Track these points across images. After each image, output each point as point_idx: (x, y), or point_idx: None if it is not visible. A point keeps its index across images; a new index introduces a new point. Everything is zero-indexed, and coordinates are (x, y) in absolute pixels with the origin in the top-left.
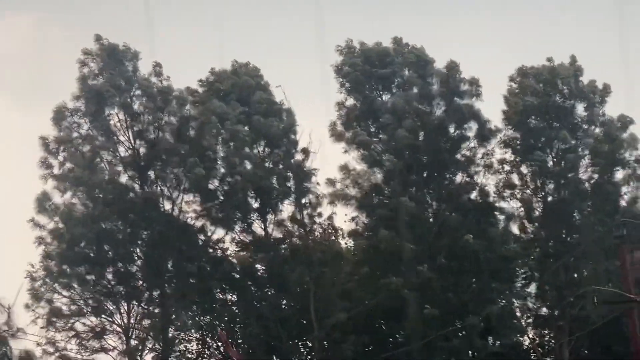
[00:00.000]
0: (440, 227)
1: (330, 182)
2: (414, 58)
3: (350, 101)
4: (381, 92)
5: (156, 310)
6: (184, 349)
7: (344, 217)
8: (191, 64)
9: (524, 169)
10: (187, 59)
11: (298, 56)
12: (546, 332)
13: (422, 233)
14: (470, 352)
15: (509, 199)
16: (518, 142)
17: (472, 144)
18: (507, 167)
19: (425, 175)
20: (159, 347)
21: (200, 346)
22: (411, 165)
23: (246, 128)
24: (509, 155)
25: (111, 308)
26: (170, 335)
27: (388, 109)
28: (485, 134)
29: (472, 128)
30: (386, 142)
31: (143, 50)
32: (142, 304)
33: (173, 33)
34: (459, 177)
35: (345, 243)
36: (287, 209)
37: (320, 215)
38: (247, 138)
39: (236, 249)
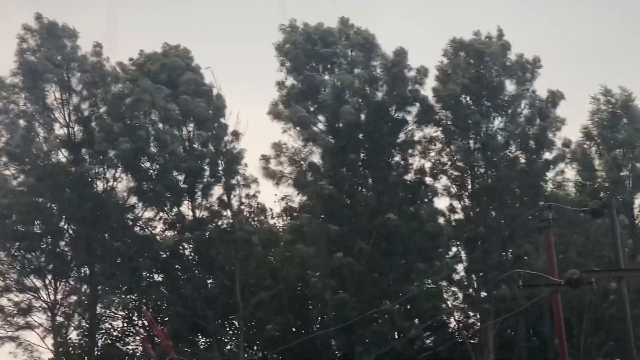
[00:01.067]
0: (371, 210)
1: (265, 158)
2: (360, 40)
3: (290, 80)
4: (322, 73)
5: (84, 288)
6: (110, 326)
7: (275, 197)
8: (134, 46)
9: (453, 148)
10: (130, 41)
11: (246, 39)
12: (472, 314)
13: (354, 215)
14: (395, 334)
15: (439, 178)
16: (449, 121)
17: (411, 127)
18: (438, 146)
19: (363, 156)
20: (85, 324)
21: (126, 324)
22: (349, 145)
23: (176, 108)
24: (439, 134)
25: (38, 284)
26: (97, 312)
27: (330, 88)
28: (426, 119)
29: (412, 113)
30: (326, 121)
31: (83, 30)
32: (69, 281)
33: (116, 13)
34: (397, 159)
35: (275, 223)
36: (216, 190)
37: (248, 196)
38: (179, 118)
39: (164, 229)
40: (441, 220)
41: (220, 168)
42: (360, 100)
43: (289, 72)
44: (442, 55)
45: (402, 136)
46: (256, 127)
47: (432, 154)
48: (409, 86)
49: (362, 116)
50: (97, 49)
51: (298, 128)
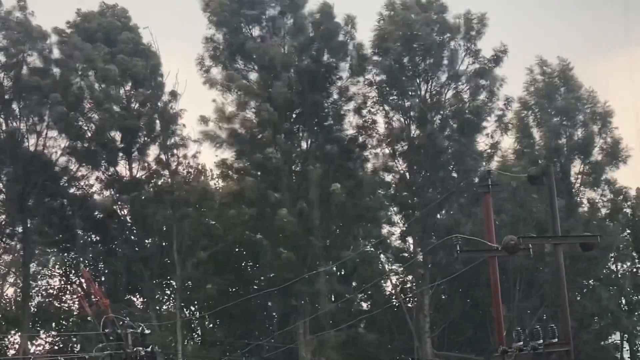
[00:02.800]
0: (306, 175)
1: (204, 120)
2: (286, 1)
3: (218, 36)
4: (250, 28)
5: (18, 246)
6: (47, 284)
7: (214, 159)
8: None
9: (387, 108)
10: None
11: None
12: (409, 278)
13: (290, 181)
14: (332, 296)
15: (373, 137)
16: (384, 82)
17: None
18: (370, 106)
19: (297, 117)
20: (20, 282)
21: (62, 283)
22: (284, 110)
23: (113, 67)
24: (373, 94)
25: None
26: (32, 271)
27: (260, 57)
28: (360, 70)
29: (345, 67)
30: (260, 89)
31: None
32: (3, 239)
33: None
34: (331, 119)
35: (214, 184)
36: (153, 149)
37: (185, 156)
38: (117, 77)
39: (101, 188)
40: (379, 187)
41: (155, 125)
42: (291, 72)
43: (217, 27)
44: (379, 18)
45: (335, 90)
46: (196, 87)
47: (365, 112)
48: (339, 37)
49: (294, 86)
50: (21, 3)
51: (236, 92)
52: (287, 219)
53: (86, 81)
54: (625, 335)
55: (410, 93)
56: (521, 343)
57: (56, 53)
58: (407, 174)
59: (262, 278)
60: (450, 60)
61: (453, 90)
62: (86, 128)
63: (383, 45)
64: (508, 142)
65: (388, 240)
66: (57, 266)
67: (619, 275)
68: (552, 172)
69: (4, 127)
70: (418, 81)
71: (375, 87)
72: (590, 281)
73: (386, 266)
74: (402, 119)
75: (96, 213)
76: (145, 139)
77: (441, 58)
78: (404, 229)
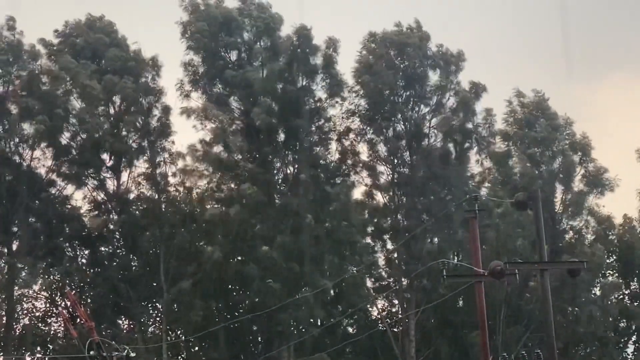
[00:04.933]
0: (285, 208)
1: (181, 155)
2: (261, 27)
3: (198, 60)
4: (228, 52)
5: (1, 265)
6: (32, 307)
7: (201, 182)
8: (50, 14)
9: (371, 136)
10: (46, 10)
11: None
12: (395, 302)
13: (271, 210)
14: (318, 321)
15: (356, 168)
16: (366, 111)
17: (323, 102)
18: (352, 136)
19: (277, 143)
20: (4, 304)
21: (48, 305)
22: (265, 135)
23: (99, 85)
24: (355, 125)
25: None
26: (17, 293)
27: (238, 83)
28: (337, 91)
29: (322, 87)
30: (241, 114)
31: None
32: None
33: None
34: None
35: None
36: (141, 167)
37: (174, 175)
38: (100, 95)
39: (88, 208)
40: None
41: (144, 143)
42: (269, 99)
43: (195, 52)
44: (362, 48)
45: (312, 113)
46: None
47: (347, 143)
48: (317, 60)
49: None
50: (9, 22)
51: (215, 122)
52: (268, 254)
53: (72, 100)
54: None
55: (394, 123)
56: None
57: (43, 70)
58: (393, 198)
59: (246, 302)
60: (431, 93)
61: (436, 120)
62: (73, 146)
63: (364, 78)
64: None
65: (373, 267)
66: (43, 288)
67: (609, 303)
68: (539, 197)
69: None
70: (404, 111)
71: (357, 115)
72: (576, 309)
73: (371, 292)
74: (385, 148)
75: (84, 234)
76: (134, 155)
77: (423, 89)
78: (389, 256)
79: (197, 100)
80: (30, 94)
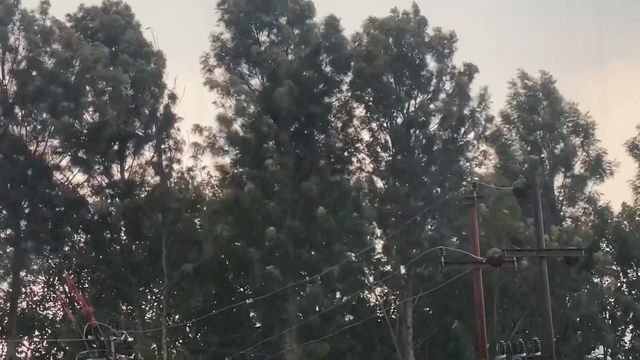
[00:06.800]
0: (298, 191)
1: (198, 128)
2: (298, 10)
3: (226, 35)
4: (258, 33)
5: (7, 250)
6: (31, 291)
7: (212, 166)
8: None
9: (374, 125)
10: None
11: None
12: (392, 289)
13: (284, 193)
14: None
15: (358, 154)
16: (370, 98)
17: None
18: (357, 123)
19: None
20: (8, 289)
21: (46, 289)
22: (284, 119)
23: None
24: (359, 112)
25: None
26: (21, 277)
27: (265, 62)
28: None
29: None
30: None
31: None
32: None
33: None
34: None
35: (209, 193)
36: (147, 153)
37: (179, 161)
38: (124, 86)
39: (93, 192)
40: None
41: (151, 130)
42: (292, 83)
43: (227, 26)
44: (363, 31)
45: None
46: (194, 90)
47: (350, 130)
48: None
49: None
50: (44, 5)
51: (236, 97)
52: (275, 236)
53: (92, 88)
54: (609, 350)
55: (393, 110)
56: (504, 356)
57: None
58: (394, 184)
59: (247, 287)
60: (428, 79)
61: (435, 106)
62: (84, 133)
63: (365, 68)
64: (491, 156)
65: (371, 253)
66: (41, 273)
67: (603, 289)
68: (538, 184)
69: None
70: (402, 97)
71: (363, 103)
72: (574, 294)
73: (370, 278)
74: (386, 135)
75: (88, 217)
76: (141, 141)
77: (421, 76)
78: (386, 243)
79: (219, 76)
80: (53, 81)
